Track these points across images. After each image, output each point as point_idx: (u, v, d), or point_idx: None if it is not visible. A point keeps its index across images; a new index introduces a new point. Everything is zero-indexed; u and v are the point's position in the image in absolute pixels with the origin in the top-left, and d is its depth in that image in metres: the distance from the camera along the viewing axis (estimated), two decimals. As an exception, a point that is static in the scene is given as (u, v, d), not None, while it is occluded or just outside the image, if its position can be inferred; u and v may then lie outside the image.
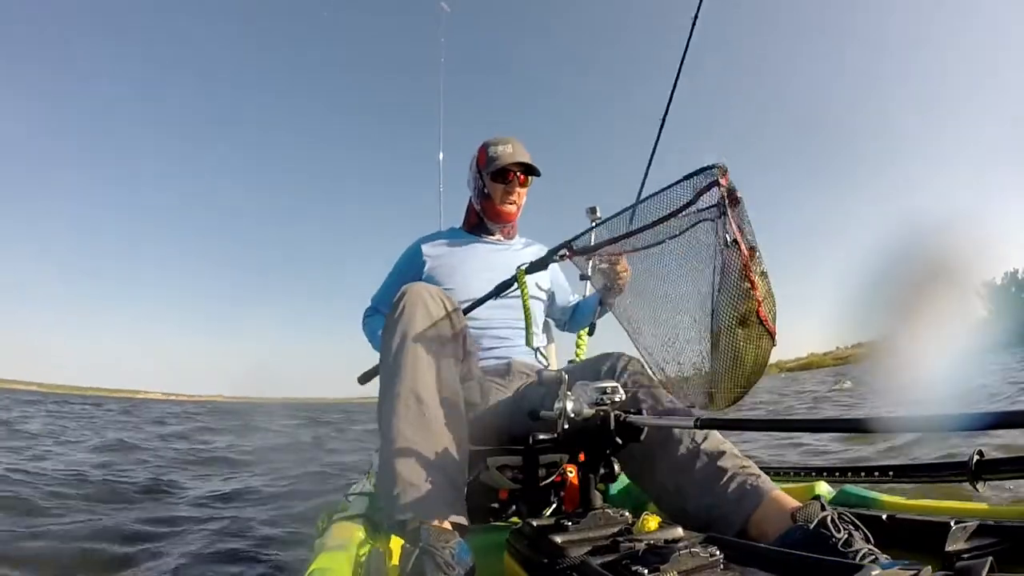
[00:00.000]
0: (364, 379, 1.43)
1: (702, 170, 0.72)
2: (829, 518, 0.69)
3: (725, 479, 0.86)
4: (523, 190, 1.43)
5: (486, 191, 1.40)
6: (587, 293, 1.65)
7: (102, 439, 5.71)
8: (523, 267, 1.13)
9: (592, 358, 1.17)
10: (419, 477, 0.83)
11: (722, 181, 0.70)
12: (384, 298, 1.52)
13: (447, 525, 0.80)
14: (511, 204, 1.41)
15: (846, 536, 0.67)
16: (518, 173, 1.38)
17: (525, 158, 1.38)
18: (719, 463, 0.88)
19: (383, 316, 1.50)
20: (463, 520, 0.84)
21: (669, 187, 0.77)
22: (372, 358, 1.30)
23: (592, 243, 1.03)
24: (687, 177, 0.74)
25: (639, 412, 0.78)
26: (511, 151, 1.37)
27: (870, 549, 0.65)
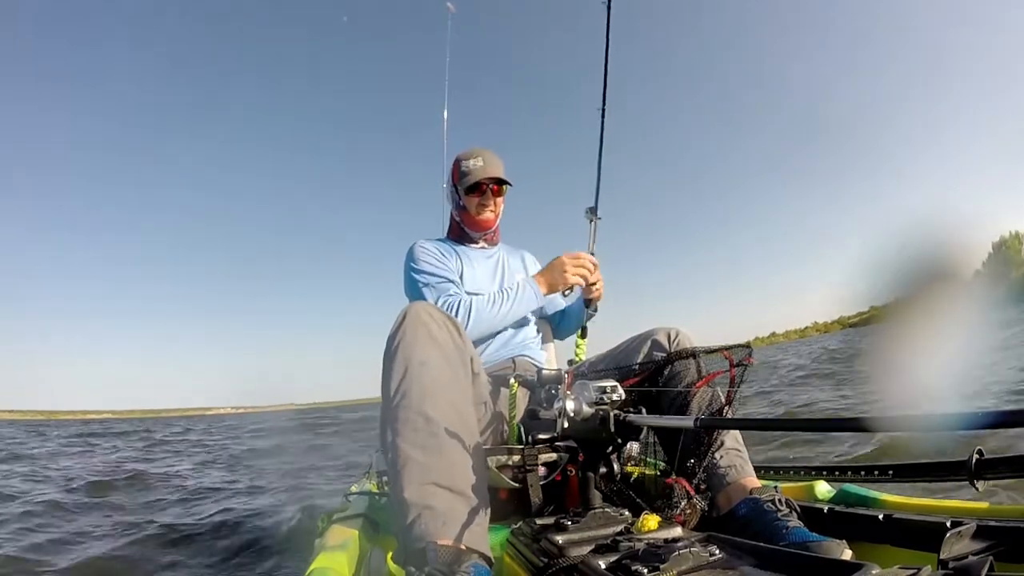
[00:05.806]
0: None
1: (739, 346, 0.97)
2: (776, 498, 0.87)
3: (720, 455, 0.99)
4: (499, 199, 1.47)
5: (462, 204, 1.46)
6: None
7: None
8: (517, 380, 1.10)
9: (634, 337, 1.19)
10: (433, 501, 0.75)
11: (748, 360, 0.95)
12: (439, 286, 1.34)
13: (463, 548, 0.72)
14: (488, 212, 1.45)
15: (785, 512, 0.85)
16: (491, 186, 1.42)
17: (496, 171, 1.41)
18: (722, 437, 1.00)
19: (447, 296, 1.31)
20: (484, 549, 0.76)
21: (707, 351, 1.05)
22: None
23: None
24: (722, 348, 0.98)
25: (639, 411, 0.78)
26: (482, 164, 1.41)
27: (800, 524, 0.82)
